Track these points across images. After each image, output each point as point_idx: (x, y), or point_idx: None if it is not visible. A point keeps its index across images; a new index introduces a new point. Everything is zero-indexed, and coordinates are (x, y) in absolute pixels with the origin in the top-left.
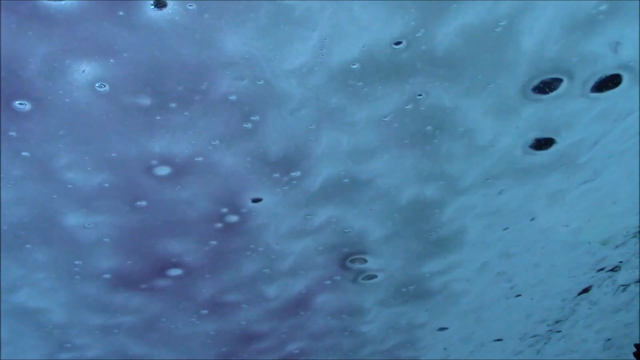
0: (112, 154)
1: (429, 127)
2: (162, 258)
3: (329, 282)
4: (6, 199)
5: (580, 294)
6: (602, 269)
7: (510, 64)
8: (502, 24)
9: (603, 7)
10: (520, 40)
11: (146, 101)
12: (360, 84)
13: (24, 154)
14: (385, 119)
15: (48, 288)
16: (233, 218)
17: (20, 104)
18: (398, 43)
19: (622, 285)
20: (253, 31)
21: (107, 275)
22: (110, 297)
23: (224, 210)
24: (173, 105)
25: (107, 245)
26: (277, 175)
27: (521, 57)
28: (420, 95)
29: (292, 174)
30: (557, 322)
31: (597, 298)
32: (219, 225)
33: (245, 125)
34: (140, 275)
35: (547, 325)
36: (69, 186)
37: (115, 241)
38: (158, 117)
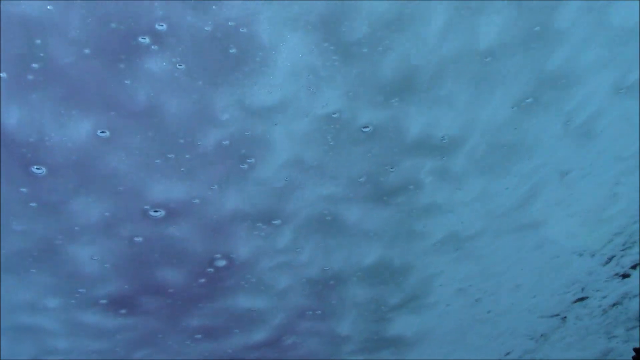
0: (120, 188)
1: (400, 192)
2: (158, 286)
3: (310, 312)
4: (16, 231)
5: (575, 302)
6: (582, 298)
7: None
8: (445, 139)
9: (529, 100)
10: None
11: (147, 145)
12: (333, 143)
13: (32, 204)
14: (360, 180)
15: (50, 309)
16: (224, 260)
17: (37, 168)
18: (366, 127)
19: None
20: (243, 97)
21: (105, 301)
22: (107, 319)
23: (217, 255)
24: (171, 155)
25: (108, 271)
26: (260, 224)
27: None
28: (392, 168)
29: (274, 222)
30: (542, 335)
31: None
32: (211, 268)
33: (242, 166)
34: (135, 300)
35: (535, 340)
36: (76, 228)
37: (114, 268)
38: (158, 161)
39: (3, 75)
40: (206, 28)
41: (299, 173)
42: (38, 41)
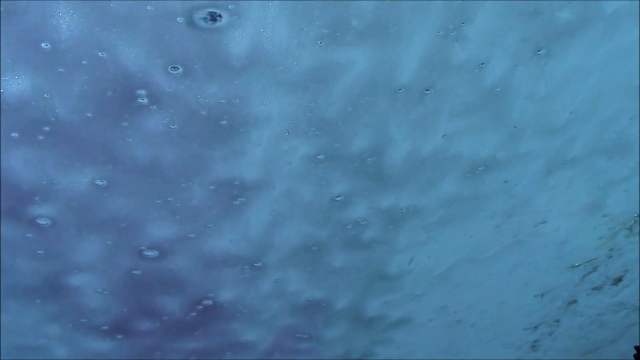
0: (122, 225)
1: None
2: (154, 314)
3: (299, 335)
4: (21, 266)
5: (570, 304)
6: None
7: None
8: (405, 209)
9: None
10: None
11: (146, 189)
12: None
13: (39, 252)
14: (347, 227)
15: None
16: (217, 298)
17: (42, 219)
18: (338, 196)
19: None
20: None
21: (105, 327)
22: (106, 342)
23: (211, 294)
24: (170, 198)
25: (108, 301)
26: (246, 267)
27: None
28: (364, 221)
29: (256, 264)
30: (535, 341)
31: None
32: (200, 306)
33: (234, 202)
34: (133, 326)
35: (529, 346)
36: (76, 268)
37: (114, 297)
38: (158, 201)
39: (15, 135)
40: (202, 113)
41: (288, 209)
42: (46, 94)
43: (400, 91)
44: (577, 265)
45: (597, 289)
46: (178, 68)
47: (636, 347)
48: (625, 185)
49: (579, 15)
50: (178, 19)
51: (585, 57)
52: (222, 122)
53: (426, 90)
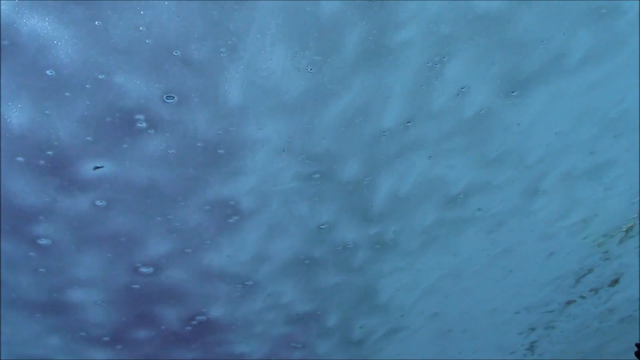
0: (122, 239)
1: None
2: (152, 323)
3: (293, 344)
4: (23, 283)
5: (568, 303)
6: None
7: None
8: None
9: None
10: None
11: (145, 208)
12: (318, 199)
13: (41, 270)
14: (338, 248)
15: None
16: (210, 313)
17: (43, 239)
18: (323, 224)
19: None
20: (231, 175)
21: (107, 338)
22: (107, 352)
23: (204, 309)
24: (170, 216)
25: (108, 313)
26: (239, 286)
27: None
28: (349, 245)
29: (247, 282)
30: (532, 343)
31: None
32: (196, 320)
33: (229, 220)
34: (132, 336)
35: (526, 348)
36: (76, 286)
37: (111, 305)
38: (159, 218)
39: (20, 159)
40: (198, 144)
41: (283, 224)
42: (49, 118)
43: (384, 133)
44: (559, 278)
45: (594, 290)
46: (173, 97)
47: (637, 345)
48: (609, 199)
49: (547, 60)
50: (174, 52)
51: (563, 88)
52: (219, 151)
53: (407, 122)
